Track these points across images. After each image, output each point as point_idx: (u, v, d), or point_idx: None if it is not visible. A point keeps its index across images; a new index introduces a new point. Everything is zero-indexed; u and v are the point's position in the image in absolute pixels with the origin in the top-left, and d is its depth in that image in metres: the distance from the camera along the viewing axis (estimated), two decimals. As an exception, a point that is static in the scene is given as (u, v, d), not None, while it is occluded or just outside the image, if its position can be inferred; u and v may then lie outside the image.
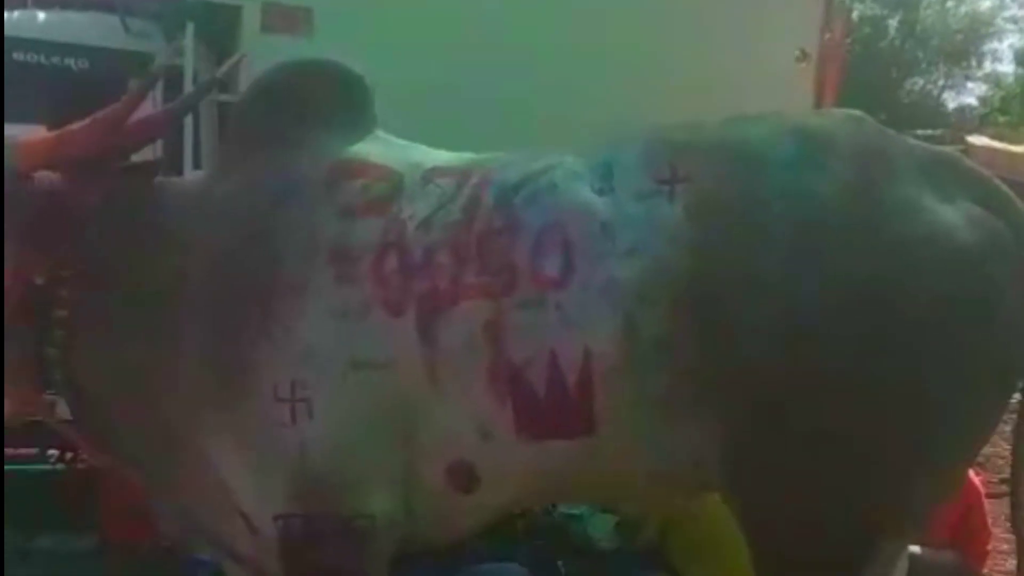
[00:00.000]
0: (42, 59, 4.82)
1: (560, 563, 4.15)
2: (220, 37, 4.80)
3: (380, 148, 2.87)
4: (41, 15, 5.15)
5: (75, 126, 2.88)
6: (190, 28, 4.64)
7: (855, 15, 21.55)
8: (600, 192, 2.57)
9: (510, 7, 4.80)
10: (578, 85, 4.57)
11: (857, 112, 2.67)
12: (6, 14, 5.07)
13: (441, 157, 2.88)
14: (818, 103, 5.60)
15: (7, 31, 4.85)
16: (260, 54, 4.49)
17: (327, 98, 2.91)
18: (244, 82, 4.49)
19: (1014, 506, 2.70)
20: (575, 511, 4.23)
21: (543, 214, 2.57)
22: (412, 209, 2.68)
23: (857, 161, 2.49)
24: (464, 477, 2.66)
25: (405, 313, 2.59)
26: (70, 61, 4.91)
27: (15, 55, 4.72)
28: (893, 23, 24.62)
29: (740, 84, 4.90)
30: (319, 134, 2.84)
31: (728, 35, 5.01)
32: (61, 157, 2.85)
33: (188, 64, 4.65)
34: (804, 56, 5.30)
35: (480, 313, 2.55)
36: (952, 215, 2.45)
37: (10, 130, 2.99)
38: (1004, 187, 2.57)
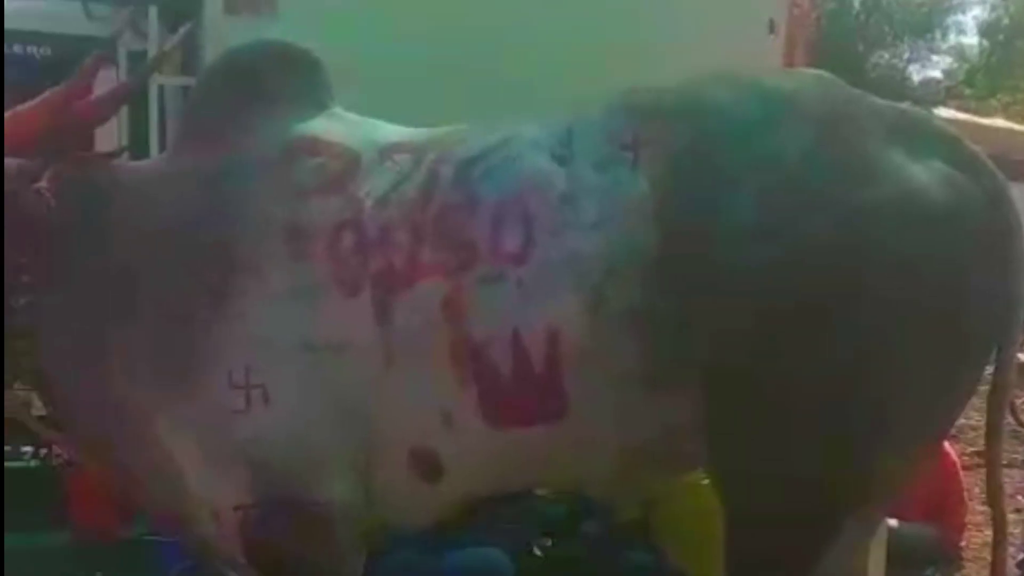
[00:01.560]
0: (6, 48, 4.74)
1: (536, 546, 4.15)
2: (183, 20, 4.72)
3: (336, 125, 2.83)
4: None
5: (25, 106, 2.83)
6: (153, 11, 4.59)
7: (821, -11, 21.53)
8: (560, 161, 2.53)
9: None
10: (545, 55, 4.53)
11: (824, 73, 2.64)
12: (-35, 3, 5.00)
13: (399, 133, 2.84)
14: (787, 76, 5.59)
15: (-35, 20, 4.80)
16: (224, 36, 4.46)
17: (277, 78, 2.87)
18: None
19: (990, 478, 2.69)
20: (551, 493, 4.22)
21: (501, 187, 2.53)
22: (368, 186, 2.64)
23: (823, 120, 2.46)
24: (427, 465, 2.62)
25: (361, 293, 2.55)
26: (32, 49, 4.87)
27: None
28: (858, -3, 24.68)
29: (708, 56, 4.87)
30: (271, 114, 2.80)
31: (696, 6, 4.98)
32: (15, 136, 2.79)
33: (152, 48, 4.59)
34: (772, 29, 5.28)
35: (438, 291, 2.51)
36: (921, 174, 2.42)
37: None
38: (972, 146, 2.53)
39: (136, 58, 4.72)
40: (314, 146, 2.76)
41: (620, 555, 4.06)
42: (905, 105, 2.80)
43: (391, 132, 2.85)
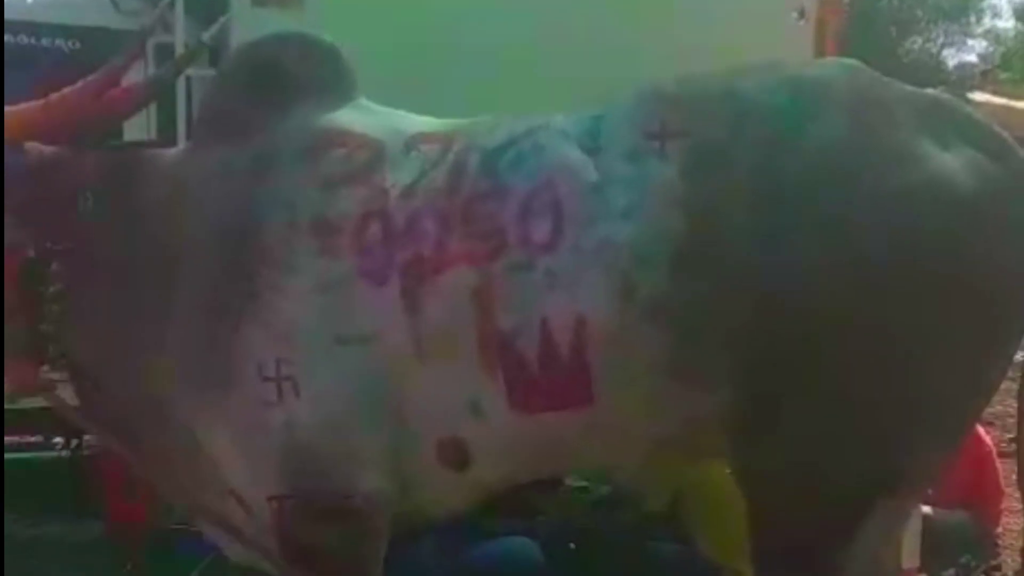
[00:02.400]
0: (34, 41, 4.80)
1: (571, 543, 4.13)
2: (210, 12, 4.74)
3: (361, 116, 2.82)
4: (32, -3, 5.15)
5: (60, 93, 2.86)
6: (179, 4, 4.60)
7: (853, -26, 21.37)
8: (588, 151, 2.52)
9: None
10: (578, 43, 4.48)
11: (852, 60, 2.61)
12: (-5, -5, 5.04)
13: (424, 123, 2.83)
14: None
15: (-4, 13, 4.85)
16: (251, 28, 4.46)
17: (301, 70, 2.86)
18: (237, 57, 4.49)
19: (1021, 465, 2.65)
20: (583, 483, 4.21)
21: (530, 176, 2.52)
22: (395, 177, 2.64)
23: (853, 109, 2.44)
24: (455, 454, 2.61)
25: (388, 283, 2.55)
26: (61, 42, 4.90)
27: (7, 38, 4.69)
28: (891, -19, 24.49)
29: (738, 43, 4.84)
30: (295, 105, 2.80)
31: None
32: (48, 124, 2.83)
33: (178, 40, 4.61)
34: (802, 14, 5.23)
35: (467, 280, 2.50)
36: (951, 162, 2.40)
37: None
38: (1002, 132, 2.51)
39: (163, 51, 4.75)
40: (339, 137, 2.75)
41: (649, 546, 4.04)
42: (939, 90, 2.77)
43: (417, 122, 2.84)
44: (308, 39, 2.97)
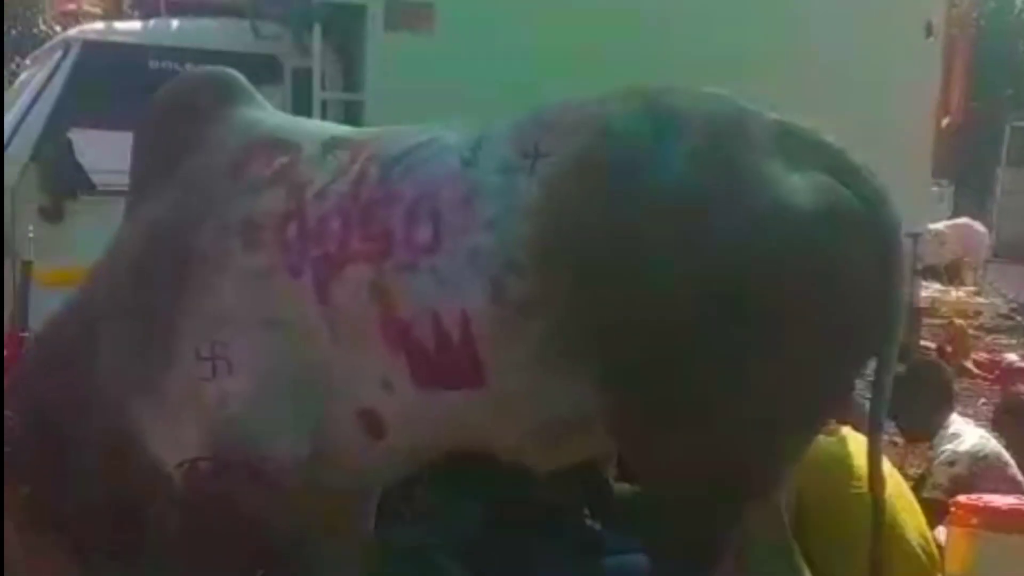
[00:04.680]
0: (176, 66, 4.90)
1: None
2: (346, 37, 4.89)
3: (279, 122, 3.22)
4: (174, 22, 5.28)
5: None
6: (317, 29, 4.72)
7: (980, -12, 20.89)
8: (466, 164, 2.79)
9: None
10: (718, 60, 4.53)
11: (718, 90, 2.81)
12: (142, 23, 5.26)
13: (343, 130, 3.23)
14: (946, 77, 5.50)
15: (143, 39, 5.04)
16: (384, 51, 4.61)
17: (213, 99, 3.22)
18: (369, 80, 4.63)
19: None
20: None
21: (416, 185, 2.80)
22: (311, 176, 2.94)
23: (711, 134, 2.64)
24: (372, 424, 2.89)
25: (303, 275, 2.86)
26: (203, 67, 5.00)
27: (151, 63, 4.84)
28: (1020, -5, 23.85)
29: (869, 61, 4.84)
30: (213, 133, 3.15)
31: (852, 10, 4.94)
32: None
33: (316, 65, 4.74)
34: (930, 31, 5.19)
35: (365, 275, 2.80)
36: (799, 184, 2.58)
37: None
38: (854, 158, 2.68)
39: (300, 75, 4.91)
40: (261, 143, 3.08)
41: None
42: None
43: (334, 129, 3.22)
44: (209, 74, 3.43)
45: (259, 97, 3.28)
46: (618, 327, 2.58)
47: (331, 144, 3.02)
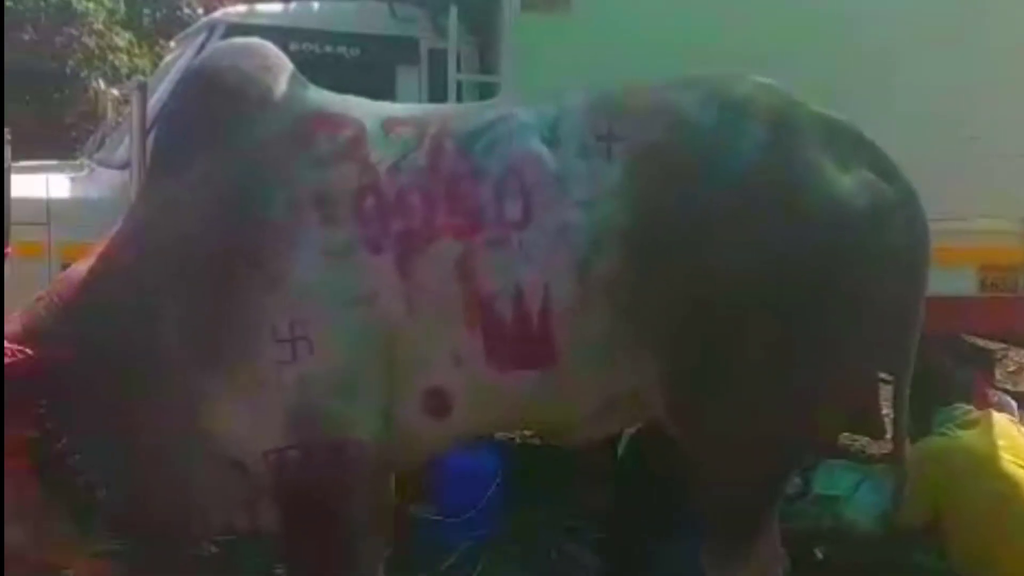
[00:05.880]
0: (316, 48, 5.00)
1: (817, 549, 4.08)
2: (481, 18, 4.91)
3: (334, 99, 3.13)
4: (315, 5, 5.38)
5: None
6: (453, 11, 4.74)
7: None
8: (548, 143, 2.89)
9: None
10: (877, 65, 4.59)
11: (766, 80, 3.00)
12: (283, 6, 5.36)
13: (394, 108, 3.24)
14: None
15: (285, 22, 5.13)
16: (521, 32, 4.61)
17: (260, 69, 3.12)
18: (505, 64, 4.64)
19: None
20: (833, 492, 4.14)
21: (501, 161, 2.88)
22: (379, 154, 2.95)
23: (774, 126, 2.87)
24: (438, 402, 2.92)
25: (384, 251, 2.86)
26: (342, 49, 5.08)
27: (292, 45, 4.91)
28: None
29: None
30: (273, 97, 3.06)
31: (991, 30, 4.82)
32: None
33: (451, 46, 4.76)
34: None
35: (452, 251, 2.85)
36: (849, 181, 2.86)
37: None
38: (888, 155, 2.96)
39: (436, 56, 4.95)
40: (320, 120, 3.02)
41: (902, 559, 3.95)
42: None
43: (387, 107, 3.21)
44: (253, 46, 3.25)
45: (295, 70, 3.20)
46: (685, 302, 2.79)
47: (392, 121, 3.03)
